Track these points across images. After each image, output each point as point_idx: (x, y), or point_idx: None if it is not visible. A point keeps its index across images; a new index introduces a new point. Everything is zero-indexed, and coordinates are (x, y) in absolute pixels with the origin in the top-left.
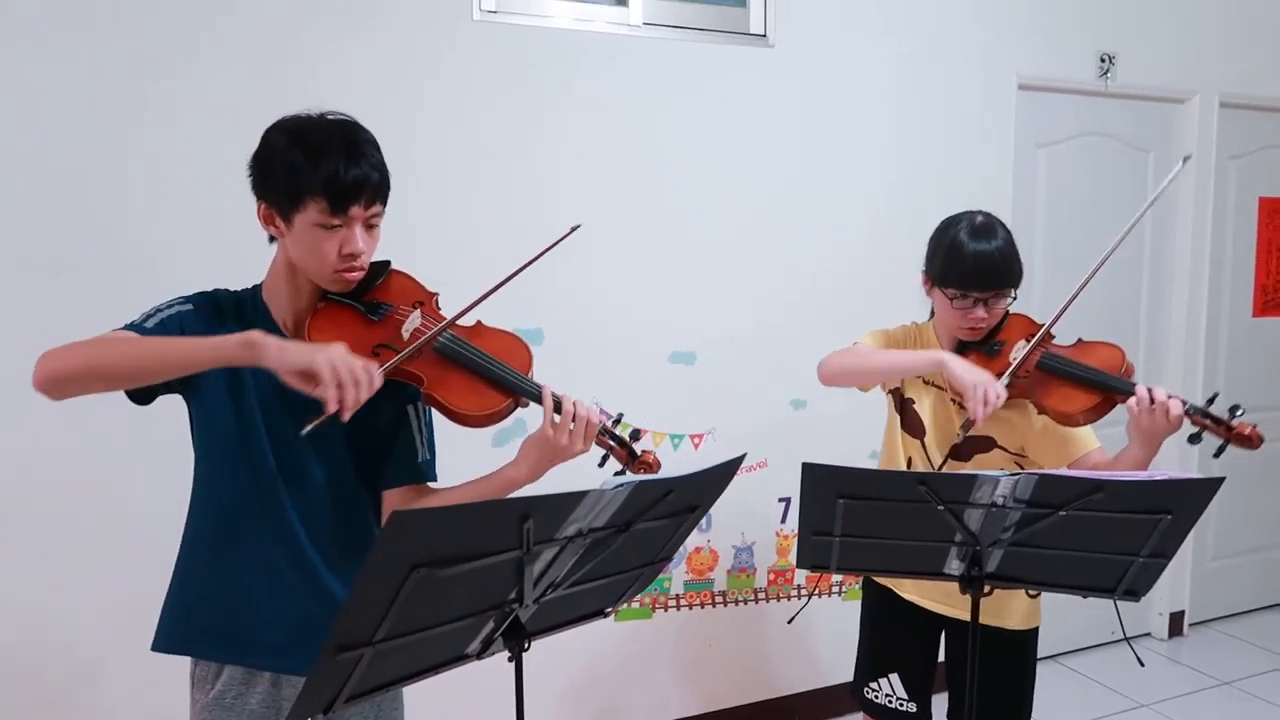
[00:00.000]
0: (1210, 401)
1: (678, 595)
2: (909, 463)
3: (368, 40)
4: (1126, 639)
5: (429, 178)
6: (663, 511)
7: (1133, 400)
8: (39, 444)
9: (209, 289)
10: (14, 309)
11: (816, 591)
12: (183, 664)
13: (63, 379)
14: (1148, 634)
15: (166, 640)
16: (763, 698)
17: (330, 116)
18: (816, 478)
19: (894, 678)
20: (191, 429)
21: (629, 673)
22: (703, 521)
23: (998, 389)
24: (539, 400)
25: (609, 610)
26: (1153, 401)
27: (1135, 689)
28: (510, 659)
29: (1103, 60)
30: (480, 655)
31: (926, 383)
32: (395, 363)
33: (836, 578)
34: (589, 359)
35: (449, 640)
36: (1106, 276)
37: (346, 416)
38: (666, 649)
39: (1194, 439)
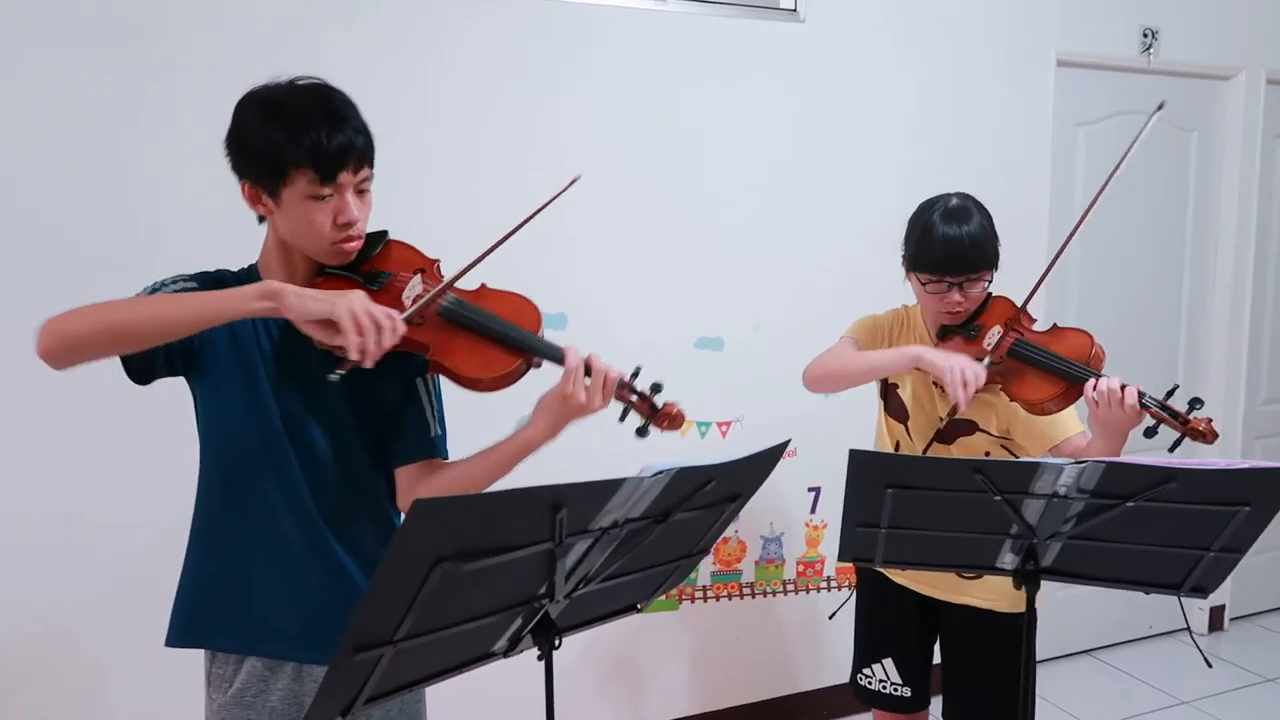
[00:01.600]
0: (1170, 394)
1: (705, 586)
2: (896, 447)
3: (382, 11)
4: (1191, 634)
5: (445, 156)
6: (702, 501)
7: (1090, 389)
8: (42, 437)
9: (211, 269)
10: (12, 301)
11: (850, 584)
12: (194, 664)
13: (74, 341)
14: (1186, 628)
15: (181, 635)
16: (790, 692)
17: (301, 82)
18: (864, 465)
19: (887, 663)
20: (195, 411)
21: (655, 665)
22: None
23: (976, 369)
24: (552, 358)
25: (641, 605)
26: (1107, 392)
27: (1175, 685)
28: (540, 657)
29: (1145, 35)
30: (508, 653)
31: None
32: (412, 311)
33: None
34: (613, 344)
35: (475, 638)
36: (1148, 261)
37: (369, 363)
38: (693, 642)
39: (1149, 432)
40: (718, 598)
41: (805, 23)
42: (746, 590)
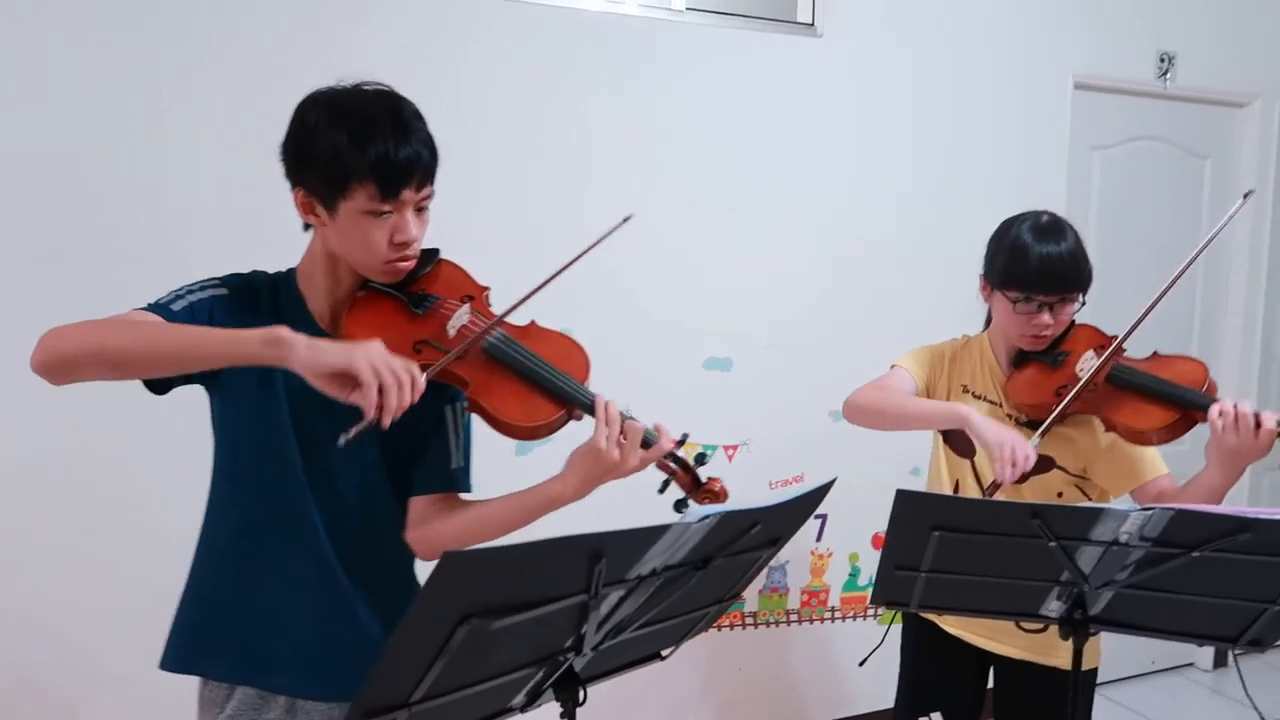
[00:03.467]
0: None
1: None
2: (956, 486)
3: (398, 24)
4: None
5: (459, 168)
6: (745, 545)
7: (1215, 415)
8: (47, 442)
9: (244, 270)
10: (23, 302)
11: (854, 615)
12: (192, 683)
13: (68, 361)
14: (1191, 664)
15: (175, 658)
16: None
17: (368, 87)
18: (911, 507)
19: (936, 717)
20: (212, 424)
21: (656, 697)
22: None
23: (1027, 450)
24: (593, 415)
25: (666, 653)
26: (1238, 417)
27: None
28: (563, 715)
29: (1162, 60)
30: (525, 708)
31: (979, 398)
32: (442, 364)
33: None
34: (620, 364)
35: (494, 695)
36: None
37: (388, 422)
38: (694, 673)
39: None
40: (719, 627)
41: (823, 38)
42: (749, 620)
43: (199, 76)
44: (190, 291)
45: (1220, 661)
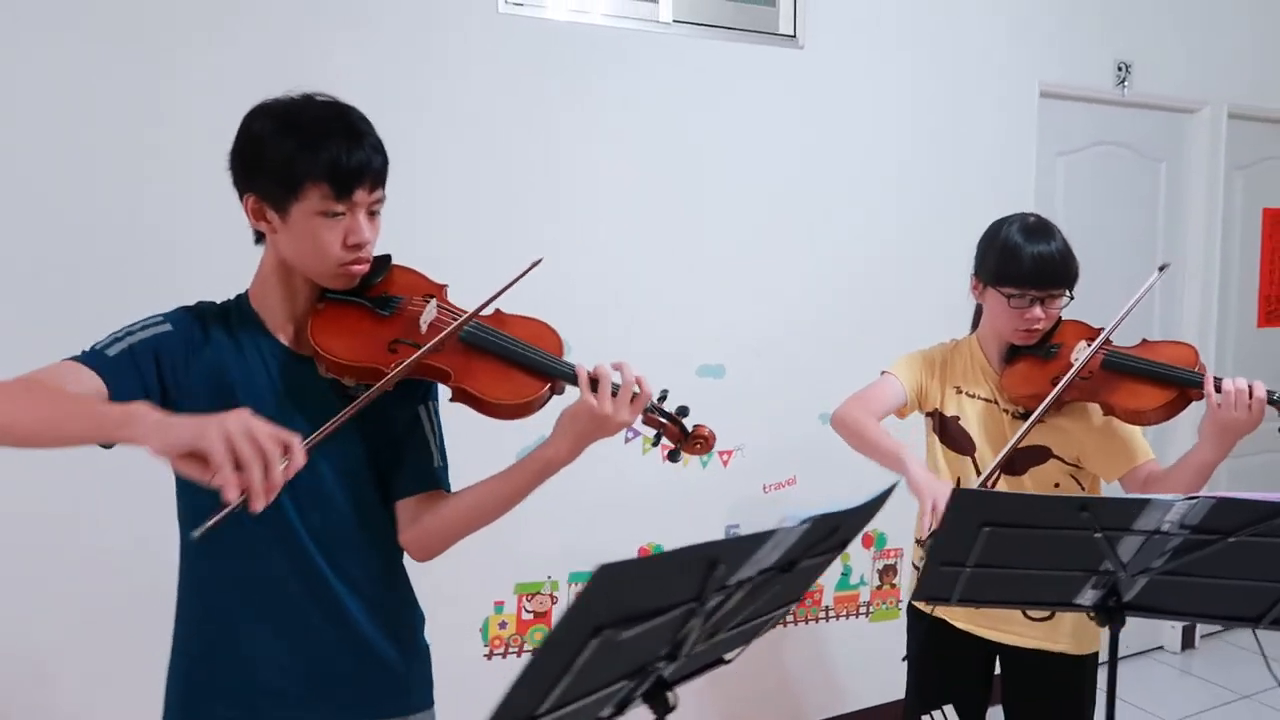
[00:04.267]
0: None
1: None
2: (957, 483)
3: (387, 34)
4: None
5: (448, 175)
6: (824, 548)
7: (1211, 390)
8: (48, 462)
9: (189, 304)
10: (23, 310)
11: (846, 614)
12: None
13: None
14: (1160, 647)
15: (174, 708)
16: None
17: (318, 98)
18: (965, 504)
19: (949, 709)
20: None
21: None
22: None
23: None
24: (576, 383)
25: (731, 657)
26: (1236, 392)
27: (1156, 704)
28: None
29: (1120, 69)
30: (612, 718)
31: (972, 396)
32: (422, 354)
33: (864, 597)
34: None
35: (593, 709)
36: (1121, 286)
37: (258, 506)
38: None
39: None
40: None
41: (804, 49)
42: None
43: (180, 79)
44: (130, 333)
45: (1188, 643)
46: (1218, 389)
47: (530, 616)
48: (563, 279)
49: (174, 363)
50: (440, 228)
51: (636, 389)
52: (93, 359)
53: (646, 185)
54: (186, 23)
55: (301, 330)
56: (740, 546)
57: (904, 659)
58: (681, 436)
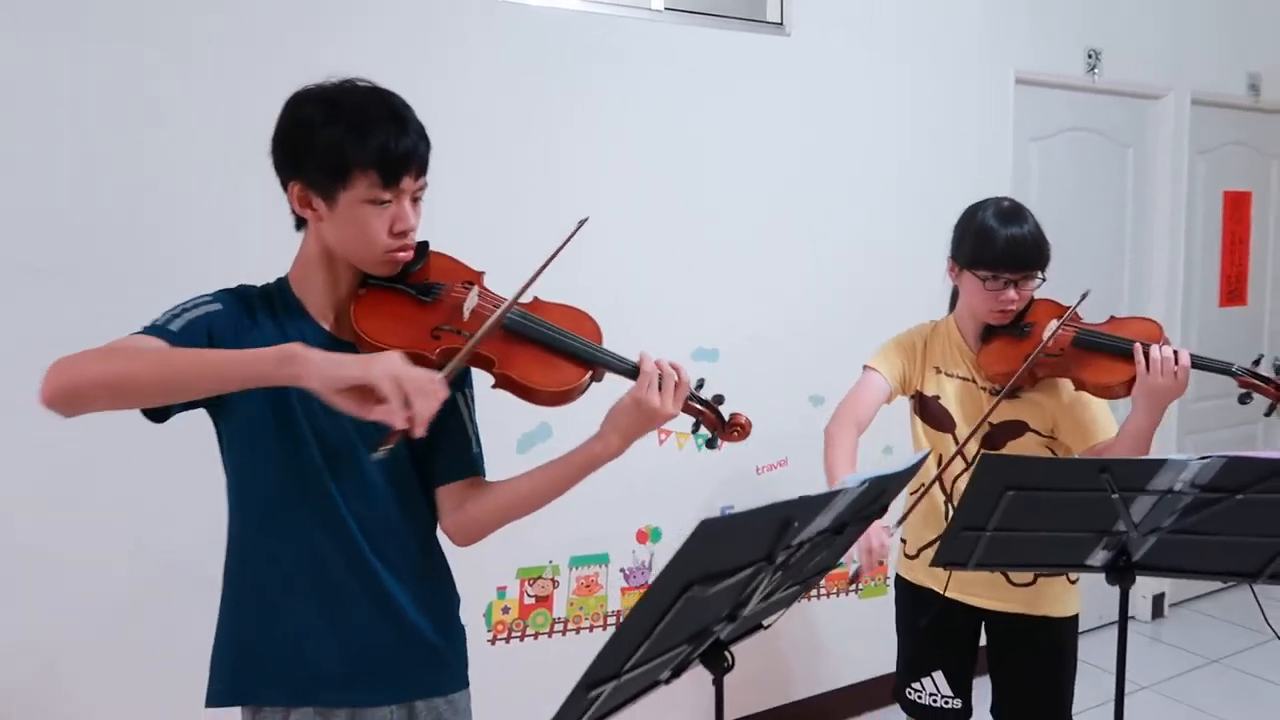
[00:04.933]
0: (1256, 362)
1: None
2: (939, 460)
3: (376, 25)
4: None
5: (437, 167)
6: (868, 512)
7: (1141, 357)
8: (50, 463)
9: (232, 285)
10: (17, 313)
11: (835, 591)
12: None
13: (80, 394)
14: (1132, 617)
15: (225, 694)
16: (783, 702)
17: (360, 84)
18: (991, 469)
19: (938, 676)
20: (222, 451)
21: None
22: None
23: (883, 540)
24: (619, 370)
25: (769, 622)
26: (1163, 359)
27: (1133, 671)
28: (714, 681)
29: (1090, 56)
30: (668, 680)
31: (949, 375)
32: (472, 345)
33: (851, 574)
34: None
35: (656, 669)
36: (1092, 269)
37: (420, 432)
38: None
39: (1243, 399)
40: None
41: (790, 36)
42: None
43: (178, 77)
44: (185, 310)
45: (1158, 612)
46: (1148, 356)
47: (532, 601)
48: (558, 263)
49: (224, 343)
50: (428, 217)
51: (676, 378)
52: (160, 333)
53: (639, 172)
54: (186, 21)
55: (343, 315)
56: (811, 504)
57: (922, 625)
58: (719, 424)
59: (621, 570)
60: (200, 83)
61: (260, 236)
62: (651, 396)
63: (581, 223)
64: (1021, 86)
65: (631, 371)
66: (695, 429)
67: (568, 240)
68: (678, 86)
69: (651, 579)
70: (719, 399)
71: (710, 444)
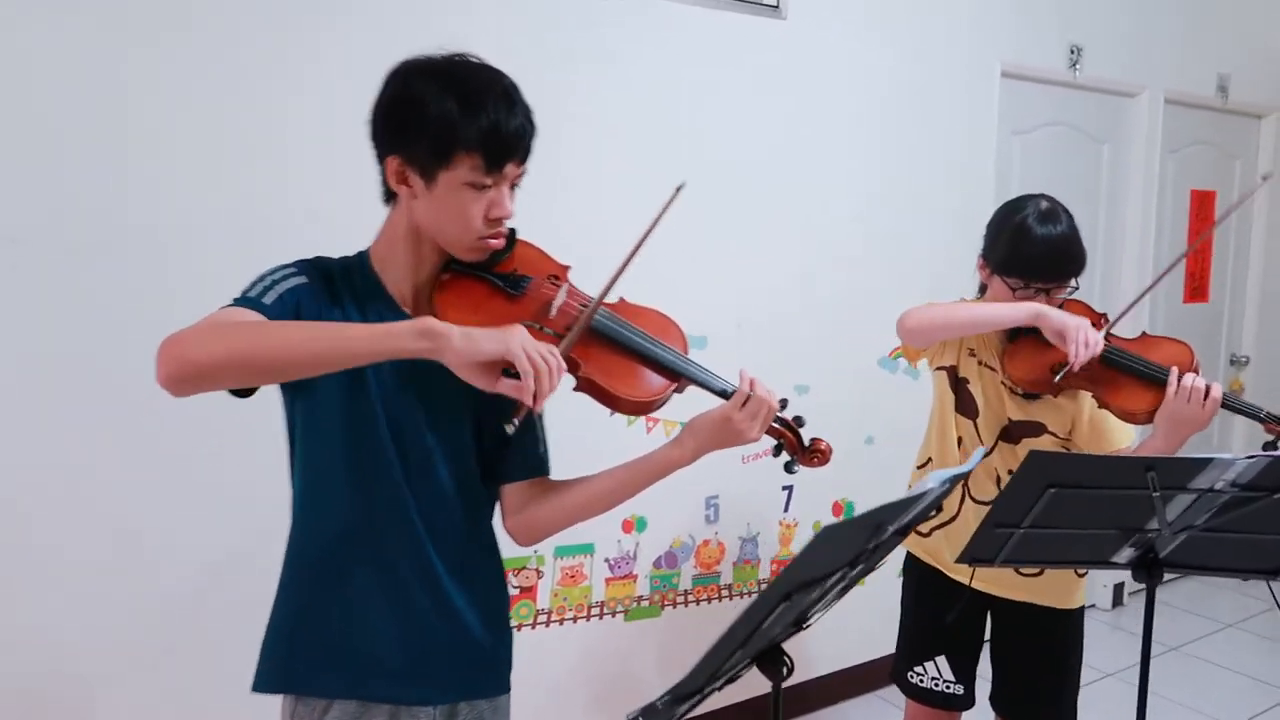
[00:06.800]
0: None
1: (686, 591)
2: (959, 442)
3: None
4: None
5: None
6: (933, 507)
7: (1173, 382)
8: (50, 462)
9: (309, 256)
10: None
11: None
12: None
13: (204, 372)
14: (1093, 605)
15: (271, 679)
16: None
17: (471, 59)
18: (1037, 465)
19: (940, 660)
20: (293, 430)
21: (641, 674)
22: (710, 513)
23: (1096, 336)
24: (708, 387)
25: (812, 621)
26: (1192, 389)
27: (1095, 658)
28: (774, 687)
29: (1072, 52)
30: (720, 687)
31: (982, 364)
32: (569, 343)
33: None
34: None
35: (714, 680)
36: None
37: (541, 408)
38: (677, 647)
39: (1269, 445)
40: (699, 601)
41: (787, 20)
42: (725, 592)
43: (176, 77)
44: (275, 282)
45: (1118, 601)
46: (1180, 384)
47: (515, 591)
48: (547, 249)
49: (311, 315)
50: None
51: (770, 405)
52: (255, 305)
53: (629, 156)
54: (185, 20)
55: (421, 298)
56: (900, 508)
57: (948, 619)
58: (799, 448)
59: (606, 560)
60: (199, 81)
61: (251, 221)
62: (743, 420)
63: (679, 189)
64: (1006, 80)
65: (722, 392)
66: (777, 451)
67: (665, 208)
68: (672, 70)
69: (636, 569)
70: (799, 421)
71: (788, 468)
